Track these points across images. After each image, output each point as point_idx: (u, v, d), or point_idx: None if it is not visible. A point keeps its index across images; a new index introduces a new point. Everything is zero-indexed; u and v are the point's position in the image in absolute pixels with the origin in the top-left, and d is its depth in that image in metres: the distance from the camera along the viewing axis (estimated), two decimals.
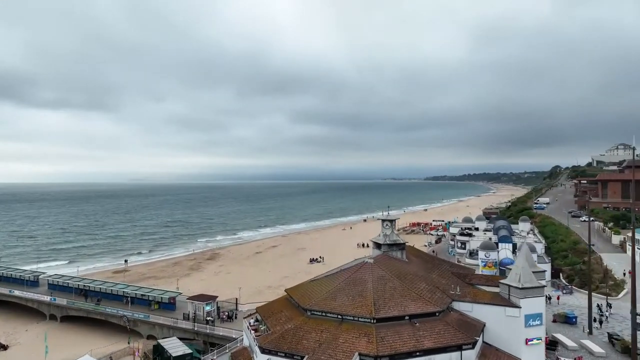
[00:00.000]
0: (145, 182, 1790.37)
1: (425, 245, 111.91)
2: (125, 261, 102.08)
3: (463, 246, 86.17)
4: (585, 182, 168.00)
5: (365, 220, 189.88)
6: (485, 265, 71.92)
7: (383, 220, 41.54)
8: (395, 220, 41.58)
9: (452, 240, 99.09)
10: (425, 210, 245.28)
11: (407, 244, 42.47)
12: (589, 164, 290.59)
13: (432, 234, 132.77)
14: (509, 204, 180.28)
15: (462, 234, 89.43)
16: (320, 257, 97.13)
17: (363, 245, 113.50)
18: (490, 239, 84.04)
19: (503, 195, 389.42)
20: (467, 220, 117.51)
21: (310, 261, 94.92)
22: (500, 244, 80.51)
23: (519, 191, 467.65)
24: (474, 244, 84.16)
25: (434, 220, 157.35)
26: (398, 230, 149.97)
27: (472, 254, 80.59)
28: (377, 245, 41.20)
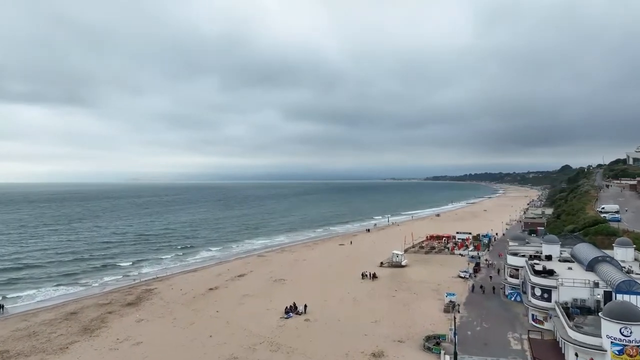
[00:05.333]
0: (143, 182, 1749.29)
1: (461, 276, 75.80)
2: (1, 307, 65.75)
3: (546, 296, 49.95)
4: None
5: (368, 231, 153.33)
6: (622, 354, 36.07)
7: None
8: None
9: (511, 275, 62.96)
10: (438, 215, 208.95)
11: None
12: (622, 161, 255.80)
13: (461, 255, 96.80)
14: (555, 210, 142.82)
15: (536, 271, 53.13)
16: (294, 305, 60.77)
17: (370, 276, 77.27)
18: (595, 283, 48.12)
19: (515, 197, 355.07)
20: (518, 238, 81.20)
21: (286, 312, 58.68)
22: (618, 296, 45.03)
23: (529, 192, 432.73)
24: (566, 293, 48.08)
25: (457, 232, 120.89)
26: (413, 247, 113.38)
27: (569, 311, 44.77)
28: None
